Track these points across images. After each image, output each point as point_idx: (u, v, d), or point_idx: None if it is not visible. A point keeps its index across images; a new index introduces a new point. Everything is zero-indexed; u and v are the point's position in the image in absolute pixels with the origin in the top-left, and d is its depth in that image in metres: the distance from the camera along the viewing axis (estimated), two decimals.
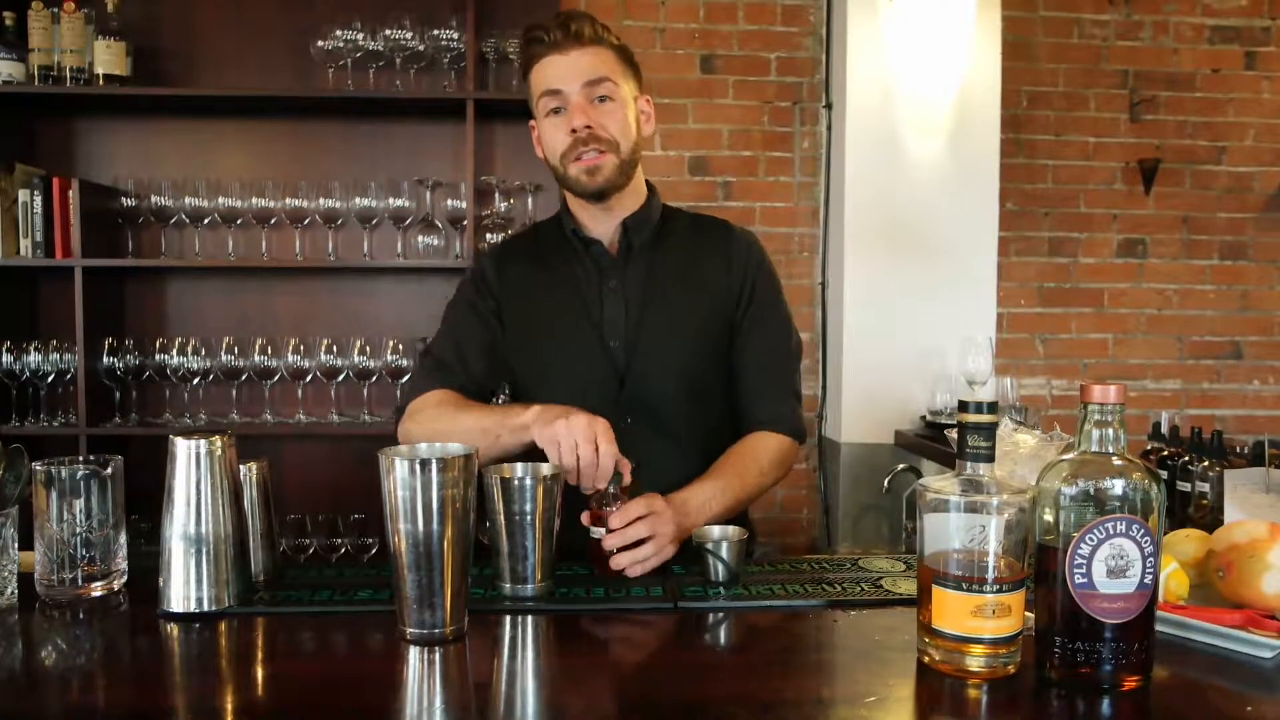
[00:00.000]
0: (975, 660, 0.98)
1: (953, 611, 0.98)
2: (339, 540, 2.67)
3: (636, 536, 1.32)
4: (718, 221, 1.68)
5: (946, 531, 1.00)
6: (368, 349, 2.94)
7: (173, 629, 1.17)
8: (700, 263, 1.59)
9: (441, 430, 1.45)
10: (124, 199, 2.93)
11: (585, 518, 1.34)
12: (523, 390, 1.63)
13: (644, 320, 1.55)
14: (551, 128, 1.51)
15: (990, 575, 0.98)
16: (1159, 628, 1.02)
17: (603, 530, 1.33)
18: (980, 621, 0.97)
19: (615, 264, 1.58)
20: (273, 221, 2.95)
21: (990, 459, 1.01)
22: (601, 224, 1.58)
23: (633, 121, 1.53)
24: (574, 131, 1.48)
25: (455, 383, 1.57)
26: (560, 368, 1.57)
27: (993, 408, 1.02)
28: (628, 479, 1.35)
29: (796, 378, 1.66)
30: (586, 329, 1.55)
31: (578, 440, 1.31)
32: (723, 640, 1.20)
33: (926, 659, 1.02)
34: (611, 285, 1.57)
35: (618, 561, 1.32)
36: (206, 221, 2.93)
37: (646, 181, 1.64)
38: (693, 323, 1.57)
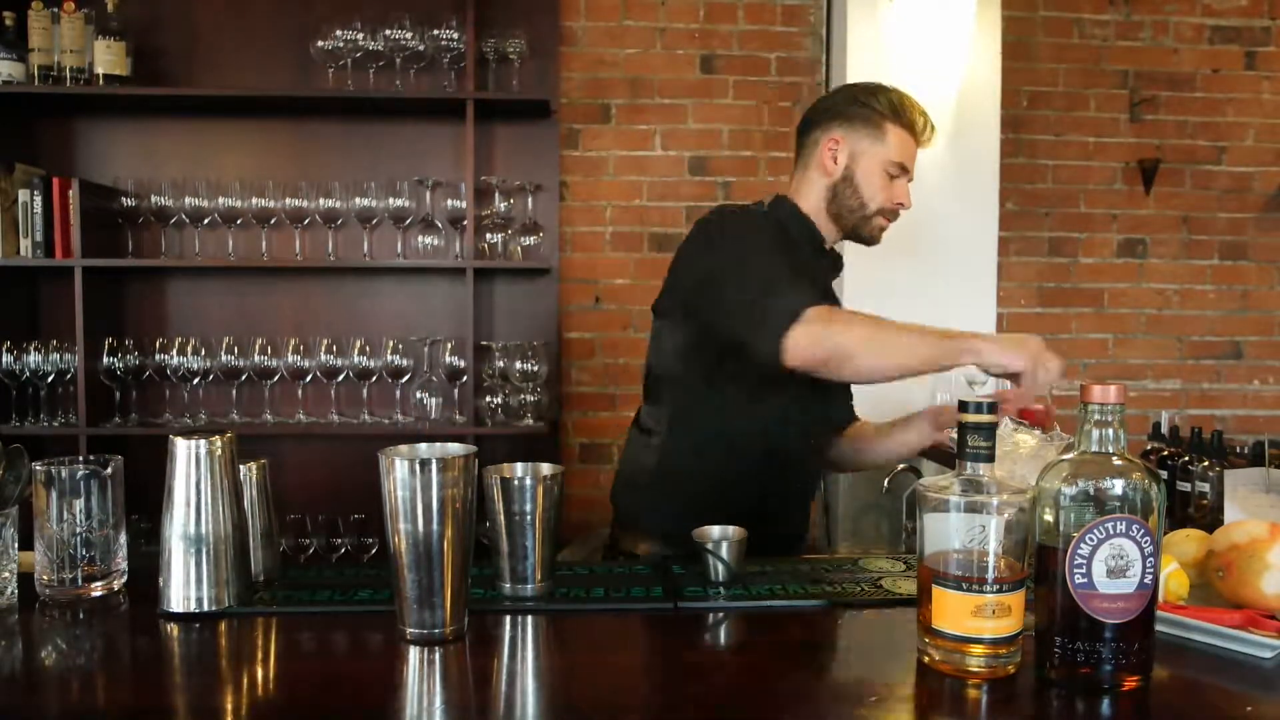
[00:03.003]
0: (975, 660, 0.98)
1: (953, 611, 0.98)
2: (339, 540, 2.67)
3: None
4: None
5: (946, 531, 1.00)
6: (368, 349, 2.94)
7: (173, 629, 1.17)
8: None
9: (872, 333, 1.45)
10: (124, 199, 2.93)
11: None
12: (736, 353, 1.56)
13: None
14: (885, 186, 1.72)
15: (990, 575, 0.98)
16: (1159, 628, 1.02)
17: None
18: (980, 621, 0.97)
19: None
20: (273, 221, 2.95)
21: (990, 459, 1.01)
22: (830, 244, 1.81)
23: None
24: (899, 204, 1.74)
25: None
26: None
27: (993, 408, 1.02)
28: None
29: None
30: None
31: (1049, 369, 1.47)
32: (723, 640, 1.20)
33: (926, 659, 1.02)
34: (833, 284, 1.84)
35: None
36: (206, 221, 2.93)
37: None
38: None
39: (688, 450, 1.69)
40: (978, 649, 0.98)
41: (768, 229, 1.71)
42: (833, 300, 1.80)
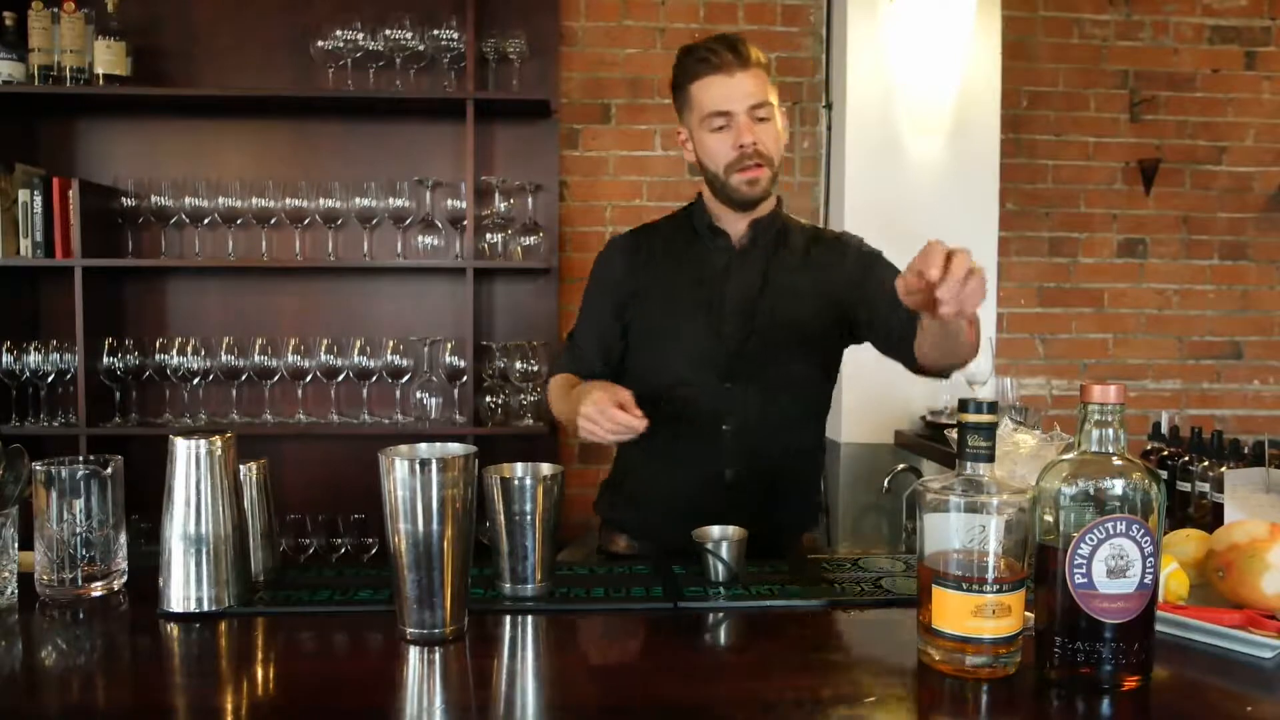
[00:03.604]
0: (975, 660, 0.98)
1: (953, 611, 0.98)
2: (339, 540, 2.66)
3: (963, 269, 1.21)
4: (833, 232, 1.86)
5: (946, 531, 1.00)
6: (368, 349, 2.94)
7: (173, 629, 1.17)
8: (814, 262, 1.76)
9: (554, 410, 1.78)
10: (124, 199, 2.93)
11: None
12: (643, 353, 1.77)
13: (757, 303, 1.71)
14: (717, 142, 1.67)
15: (990, 575, 0.98)
16: (1159, 628, 1.02)
17: None
18: (980, 621, 0.97)
19: (739, 255, 1.75)
20: (273, 221, 2.95)
21: (990, 459, 1.01)
22: (734, 222, 1.75)
23: (782, 136, 1.70)
24: (741, 147, 1.64)
25: (581, 368, 1.77)
26: (673, 339, 1.74)
27: (993, 408, 1.02)
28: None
29: None
30: (706, 305, 1.72)
31: (601, 433, 1.48)
32: (723, 640, 1.20)
33: (926, 659, 1.02)
34: (736, 276, 1.73)
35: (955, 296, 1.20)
36: (206, 221, 2.93)
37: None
38: (799, 312, 1.71)
39: (626, 453, 1.83)
40: (978, 649, 0.98)
41: (598, 272, 1.84)
42: (718, 285, 1.72)
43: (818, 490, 1.86)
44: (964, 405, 1.02)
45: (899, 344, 1.64)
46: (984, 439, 1.01)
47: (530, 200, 3.07)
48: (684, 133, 1.76)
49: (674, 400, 1.68)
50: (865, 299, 1.70)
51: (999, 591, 0.98)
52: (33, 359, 2.80)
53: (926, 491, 1.02)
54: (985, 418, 1.01)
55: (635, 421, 1.47)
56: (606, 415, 1.48)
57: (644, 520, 1.78)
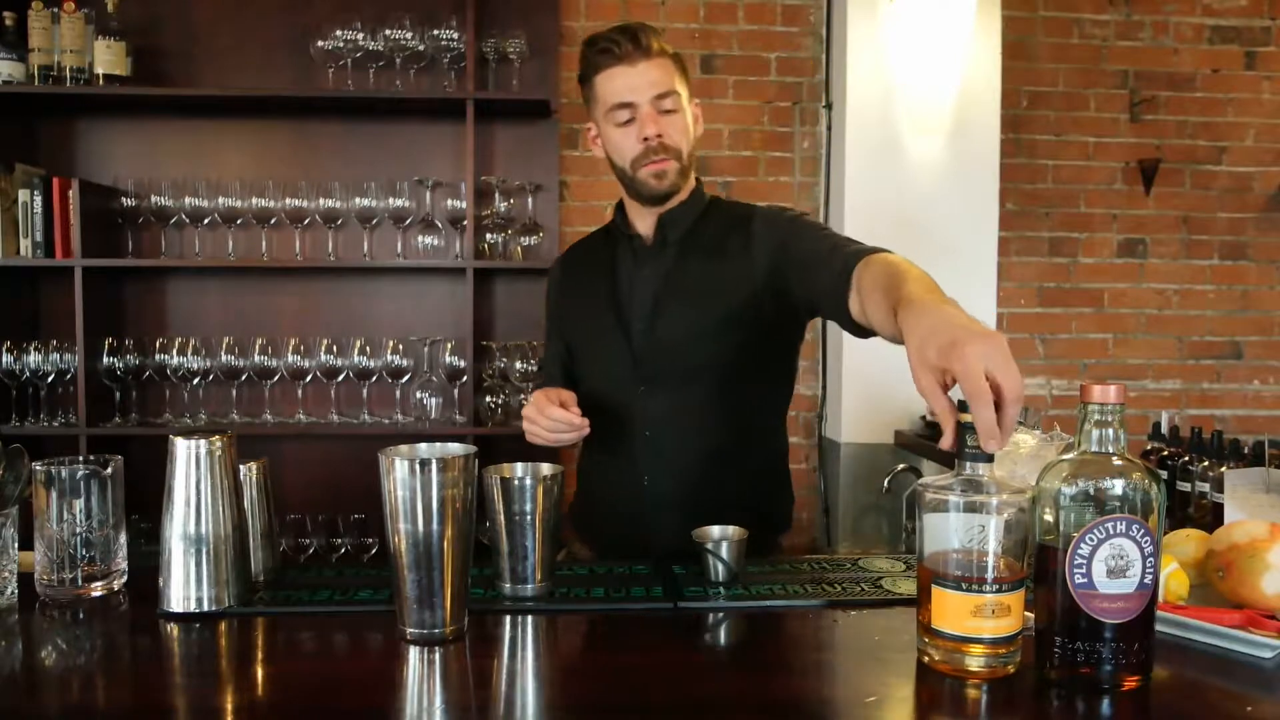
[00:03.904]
0: (975, 660, 0.98)
1: (952, 611, 0.98)
2: (339, 540, 2.67)
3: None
4: (752, 207, 1.70)
5: (946, 531, 1.00)
6: (367, 349, 2.94)
7: (173, 629, 1.17)
8: (724, 247, 1.64)
9: None
10: (124, 199, 2.93)
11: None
12: (577, 365, 1.80)
13: (664, 303, 1.65)
14: (622, 136, 1.62)
15: (990, 575, 0.98)
16: (1159, 628, 1.02)
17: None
18: (980, 621, 0.97)
19: (651, 253, 1.70)
20: (273, 221, 2.95)
21: (990, 459, 1.01)
22: (645, 219, 1.71)
23: (690, 127, 1.65)
24: (645, 140, 1.59)
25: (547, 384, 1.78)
26: (591, 346, 1.75)
27: None
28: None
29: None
30: (614, 312, 1.69)
31: (541, 432, 1.55)
32: (723, 640, 1.20)
33: (926, 659, 1.02)
34: (645, 274, 1.69)
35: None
36: (206, 221, 2.93)
37: (697, 178, 1.73)
38: (708, 304, 1.63)
39: (581, 460, 1.84)
40: (977, 649, 0.98)
41: (547, 291, 1.92)
42: (626, 288, 1.69)
43: (782, 491, 1.77)
44: (964, 405, 1.02)
45: (835, 308, 1.40)
46: None
47: (530, 200, 3.07)
48: (593, 129, 1.69)
49: (600, 408, 1.64)
50: (792, 275, 1.53)
51: (999, 591, 0.97)
52: (33, 359, 2.81)
53: (926, 491, 1.02)
54: None
55: (575, 419, 1.48)
56: (545, 413, 1.50)
57: (594, 529, 1.78)
